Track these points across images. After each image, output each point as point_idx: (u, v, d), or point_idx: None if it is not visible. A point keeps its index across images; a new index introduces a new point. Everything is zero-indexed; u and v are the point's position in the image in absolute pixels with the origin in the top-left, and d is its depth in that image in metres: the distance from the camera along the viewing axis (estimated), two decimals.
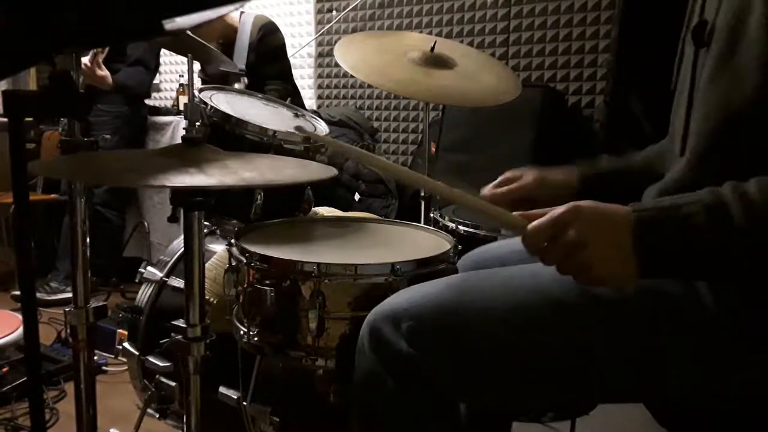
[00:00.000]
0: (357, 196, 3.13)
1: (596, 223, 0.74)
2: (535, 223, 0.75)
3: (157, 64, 3.47)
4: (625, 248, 0.72)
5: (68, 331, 1.24)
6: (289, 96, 2.07)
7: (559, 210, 0.75)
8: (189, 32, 1.52)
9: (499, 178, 1.12)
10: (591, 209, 0.75)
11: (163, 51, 3.49)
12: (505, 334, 0.83)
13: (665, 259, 0.72)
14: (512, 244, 1.20)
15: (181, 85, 3.81)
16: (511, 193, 1.08)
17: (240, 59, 2.47)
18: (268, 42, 2.55)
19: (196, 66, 1.98)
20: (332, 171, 1.06)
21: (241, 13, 2.57)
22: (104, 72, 2.82)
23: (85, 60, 2.63)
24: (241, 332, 1.12)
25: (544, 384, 0.85)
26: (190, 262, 0.98)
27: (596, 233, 0.73)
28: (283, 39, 2.65)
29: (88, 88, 2.69)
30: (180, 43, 1.58)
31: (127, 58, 3.15)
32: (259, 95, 1.78)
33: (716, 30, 0.81)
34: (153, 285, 1.58)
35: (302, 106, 2.58)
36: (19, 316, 1.81)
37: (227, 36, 2.51)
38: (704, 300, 0.79)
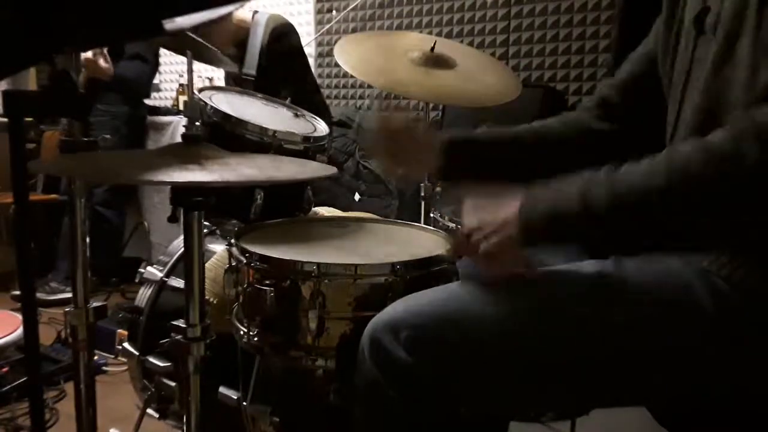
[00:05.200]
0: (357, 196, 3.13)
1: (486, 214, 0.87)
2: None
3: (157, 61, 3.47)
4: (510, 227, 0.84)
5: (68, 331, 1.24)
6: (306, 101, 1.95)
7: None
8: (200, 34, 1.51)
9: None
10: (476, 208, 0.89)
11: (162, 51, 3.49)
12: (503, 341, 0.83)
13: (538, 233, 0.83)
14: None
15: (181, 85, 3.81)
16: (378, 128, 1.16)
17: (251, 63, 2.32)
18: (280, 44, 2.39)
19: (197, 66, 1.96)
20: (332, 169, 1.06)
21: (254, 13, 2.44)
22: (107, 63, 2.81)
23: (88, 54, 2.62)
24: (241, 332, 1.12)
25: (543, 389, 0.85)
26: (190, 262, 0.98)
27: (488, 225, 0.86)
28: (297, 41, 2.49)
29: (88, 88, 2.68)
30: (178, 42, 1.57)
31: (125, 53, 3.16)
32: (259, 95, 1.78)
33: (721, 16, 0.81)
34: (153, 285, 1.58)
35: (325, 108, 2.48)
36: (19, 316, 1.80)
37: (239, 38, 2.37)
38: (702, 302, 0.79)
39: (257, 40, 2.34)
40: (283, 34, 2.40)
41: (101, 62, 2.75)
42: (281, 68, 2.34)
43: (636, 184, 0.77)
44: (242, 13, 2.38)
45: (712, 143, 0.73)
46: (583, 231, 0.81)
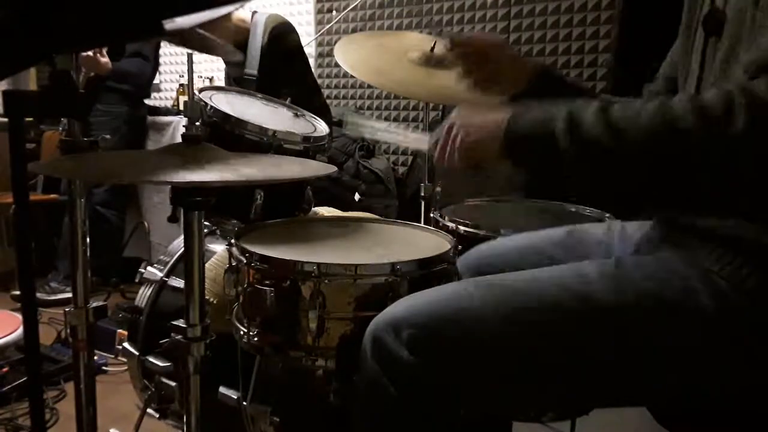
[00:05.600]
0: (357, 196, 3.13)
1: (472, 116, 0.90)
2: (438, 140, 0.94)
3: (157, 61, 3.47)
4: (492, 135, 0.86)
5: (68, 331, 1.24)
6: (306, 101, 1.92)
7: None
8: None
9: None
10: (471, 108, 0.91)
11: (162, 51, 3.49)
12: (505, 340, 0.83)
13: (518, 148, 0.84)
14: (512, 242, 1.20)
15: (181, 85, 3.81)
16: (472, 44, 1.15)
17: (252, 63, 2.31)
18: (280, 45, 2.37)
19: (197, 66, 1.95)
20: (332, 169, 1.06)
21: (254, 13, 2.43)
22: (105, 58, 2.82)
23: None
24: (241, 332, 1.12)
25: (544, 389, 0.85)
26: (190, 262, 0.98)
27: (470, 124, 0.89)
28: (297, 41, 2.47)
29: (88, 87, 2.68)
30: (180, 35, 1.57)
31: (126, 51, 3.16)
32: (259, 95, 1.78)
33: (728, 17, 0.82)
34: (153, 285, 1.58)
35: (326, 108, 2.46)
36: (19, 316, 1.81)
37: (239, 38, 2.35)
38: (703, 303, 0.79)
39: (257, 40, 2.34)
40: (282, 34, 2.39)
41: (98, 57, 2.75)
42: (282, 68, 2.33)
43: (622, 121, 0.76)
44: (242, 13, 2.38)
45: (705, 105, 0.72)
46: (565, 156, 0.79)
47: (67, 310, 1.23)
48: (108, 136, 1.25)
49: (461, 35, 1.19)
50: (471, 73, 1.15)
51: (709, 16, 0.87)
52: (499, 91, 1.14)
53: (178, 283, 1.53)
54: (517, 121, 0.84)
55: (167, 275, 1.57)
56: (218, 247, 1.55)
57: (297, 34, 2.49)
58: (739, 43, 0.79)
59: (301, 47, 2.48)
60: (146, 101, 3.50)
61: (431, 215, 1.65)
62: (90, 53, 2.64)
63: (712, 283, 0.80)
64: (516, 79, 1.12)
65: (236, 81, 2.36)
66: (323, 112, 2.15)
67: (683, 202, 0.83)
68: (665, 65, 1.12)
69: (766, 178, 0.72)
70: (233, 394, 1.25)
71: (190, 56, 1.50)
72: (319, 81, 3.70)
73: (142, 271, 1.61)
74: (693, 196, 0.79)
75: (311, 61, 3.67)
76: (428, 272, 1.06)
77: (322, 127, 1.67)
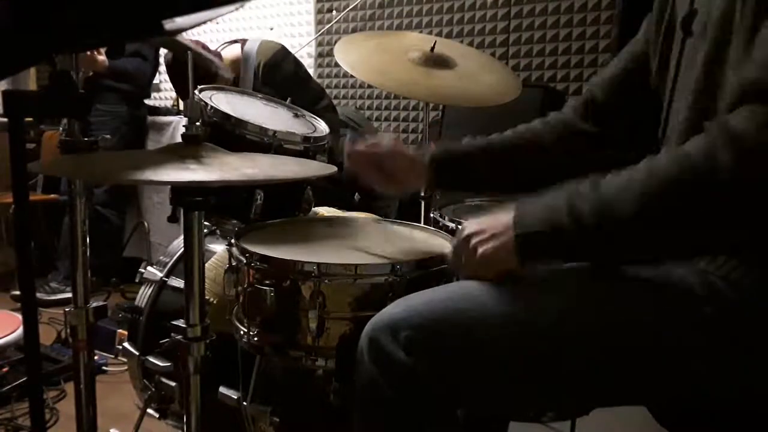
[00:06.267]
0: (357, 196, 3.12)
1: (482, 223, 0.89)
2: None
3: (157, 61, 3.47)
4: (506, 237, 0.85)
5: (68, 331, 1.24)
6: (311, 108, 1.85)
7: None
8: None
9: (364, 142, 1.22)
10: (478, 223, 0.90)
11: (162, 51, 3.48)
12: (503, 341, 0.83)
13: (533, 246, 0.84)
14: None
15: None
16: (364, 156, 1.19)
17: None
18: (275, 76, 2.31)
19: None
20: (332, 169, 1.06)
21: (243, 43, 2.36)
22: (102, 56, 2.83)
23: None
24: (241, 332, 1.12)
25: (542, 389, 0.85)
26: (190, 262, 0.98)
27: (483, 232, 0.88)
28: (290, 68, 2.39)
29: (87, 87, 2.68)
30: (175, 44, 1.57)
31: (125, 51, 3.17)
32: (259, 95, 1.78)
33: (710, 19, 0.82)
34: (153, 285, 1.58)
35: (332, 108, 2.44)
36: (19, 316, 1.81)
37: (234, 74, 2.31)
38: (701, 302, 0.79)
39: (249, 74, 2.30)
40: (275, 67, 2.34)
41: (95, 55, 2.76)
42: (279, 95, 2.31)
43: (616, 198, 0.77)
44: (231, 52, 2.33)
45: (688, 154, 0.73)
46: (576, 244, 0.81)
47: (67, 310, 1.23)
48: (108, 136, 1.26)
49: (354, 149, 1.22)
50: (380, 177, 1.19)
51: (689, 18, 0.87)
52: (410, 187, 1.22)
53: (178, 283, 1.52)
54: (524, 222, 0.84)
55: (167, 275, 1.57)
56: (218, 247, 1.55)
57: (290, 59, 2.43)
58: (727, 45, 0.79)
59: (296, 71, 2.44)
60: (146, 101, 3.50)
61: (431, 215, 1.65)
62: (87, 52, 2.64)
63: (708, 283, 0.80)
64: (418, 176, 1.19)
65: None
66: (330, 111, 2.12)
67: (694, 247, 0.83)
68: (617, 59, 1.12)
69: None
70: (233, 394, 1.25)
71: (190, 56, 1.50)
72: (318, 81, 3.71)
73: (142, 271, 1.61)
74: (700, 240, 0.79)
75: (311, 62, 3.68)
76: (428, 272, 1.06)
77: (322, 127, 1.67)
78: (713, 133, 0.72)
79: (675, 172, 0.74)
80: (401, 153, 1.19)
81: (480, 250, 0.87)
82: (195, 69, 1.14)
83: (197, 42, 2.11)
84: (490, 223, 0.88)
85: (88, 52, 2.66)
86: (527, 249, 0.84)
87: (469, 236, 0.90)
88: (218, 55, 2.29)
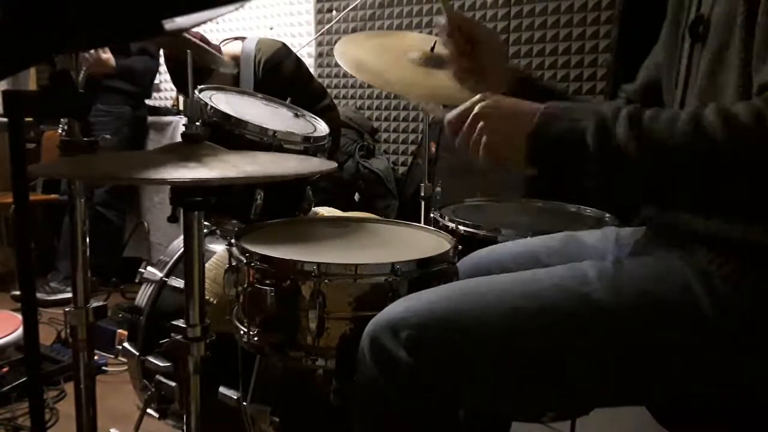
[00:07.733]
0: (357, 196, 3.13)
1: (501, 110, 0.85)
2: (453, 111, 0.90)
3: (158, 59, 3.47)
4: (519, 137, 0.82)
5: (68, 331, 1.24)
6: (311, 106, 1.86)
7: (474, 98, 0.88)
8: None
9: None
10: (498, 98, 0.87)
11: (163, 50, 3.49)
12: (504, 340, 0.83)
13: (545, 154, 0.81)
14: (508, 249, 1.20)
15: None
16: (468, 26, 1.13)
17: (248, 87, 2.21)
18: (275, 75, 2.28)
19: None
20: (332, 164, 1.06)
21: (243, 40, 2.34)
22: (107, 54, 2.81)
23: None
24: (241, 332, 1.12)
25: (543, 389, 0.85)
26: (190, 262, 0.98)
27: (498, 119, 0.84)
28: (291, 66, 2.36)
29: (87, 87, 2.68)
30: (177, 42, 1.57)
31: (130, 49, 3.17)
32: (259, 95, 1.78)
33: (712, 24, 0.82)
34: (153, 285, 1.58)
35: (332, 107, 2.44)
36: (19, 316, 1.81)
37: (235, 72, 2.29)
38: (702, 302, 0.79)
39: (249, 71, 2.28)
40: (276, 66, 2.32)
41: (101, 55, 2.75)
42: (280, 95, 2.30)
43: (658, 136, 0.73)
44: (231, 48, 2.32)
45: (736, 118, 0.70)
46: (590, 163, 0.77)
47: (67, 310, 1.23)
48: (108, 136, 1.26)
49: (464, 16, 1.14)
50: (459, 56, 1.12)
51: (696, 23, 0.87)
52: (475, 88, 1.11)
53: (178, 283, 1.53)
54: (547, 126, 0.81)
55: (167, 275, 1.57)
56: (218, 247, 1.56)
57: (291, 57, 2.41)
58: (727, 49, 0.79)
59: (297, 69, 2.41)
60: (146, 101, 3.50)
61: (431, 215, 1.65)
62: (92, 52, 2.64)
63: (709, 283, 0.80)
64: (496, 82, 1.10)
65: None
66: (331, 110, 2.11)
67: (709, 209, 0.80)
68: (645, 67, 1.11)
69: None
70: (233, 394, 1.25)
71: (190, 56, 1.50)
72: (318, 81, 3.71)
73: (142, 271, 1.61)
74: (720, 203, 0.77)
75: (311, 61, 3.68)
76: (428, 272, 1.06)
77: (322, 127, 1.67)
78: (760, 104, 0.70)
79: (718, 128, 0.70)
80: (499, 50, 1.14)
81: (485, 139, 0.84)
82: (195, 62, 1.13)
83: (197, 34, 2.09)
84: (508, 113, 0.84)
85: (95, 54, 2.66)
86: (540, 153, 0.81)
87: (479, 117, 0.85)
88: (218, 49, 2.28)
